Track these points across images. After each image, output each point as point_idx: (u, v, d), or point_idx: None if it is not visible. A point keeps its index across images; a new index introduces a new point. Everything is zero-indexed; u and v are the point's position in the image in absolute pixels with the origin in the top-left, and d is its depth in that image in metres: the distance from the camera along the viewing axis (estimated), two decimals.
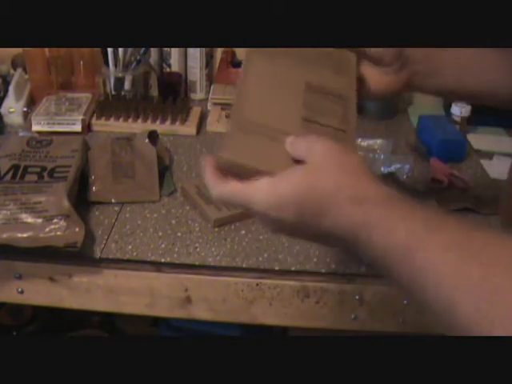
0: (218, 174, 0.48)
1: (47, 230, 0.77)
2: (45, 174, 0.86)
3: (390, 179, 0.94)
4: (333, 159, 0.45)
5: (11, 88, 1.14)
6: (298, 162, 0.47)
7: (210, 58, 1.28)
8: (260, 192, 0.45)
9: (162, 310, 0.80)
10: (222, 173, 0.48)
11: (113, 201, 0.90)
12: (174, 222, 0.86)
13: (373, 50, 0.65)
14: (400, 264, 0.41)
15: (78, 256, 0.78)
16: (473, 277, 0.37)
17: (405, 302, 0.79)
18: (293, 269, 0.78)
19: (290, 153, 0.47)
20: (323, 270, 0.78)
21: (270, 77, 0.58)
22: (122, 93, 1.15)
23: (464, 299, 0.37)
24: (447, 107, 1.19)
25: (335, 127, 0.54)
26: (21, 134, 1.08)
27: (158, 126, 1.10)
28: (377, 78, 0.67)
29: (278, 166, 0.46)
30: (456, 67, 0.67)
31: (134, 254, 0.80)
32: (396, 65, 0.65)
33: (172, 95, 1.16)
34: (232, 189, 0.47)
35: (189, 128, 1.12)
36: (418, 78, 0.67)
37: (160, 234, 0.84)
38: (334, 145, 0.47)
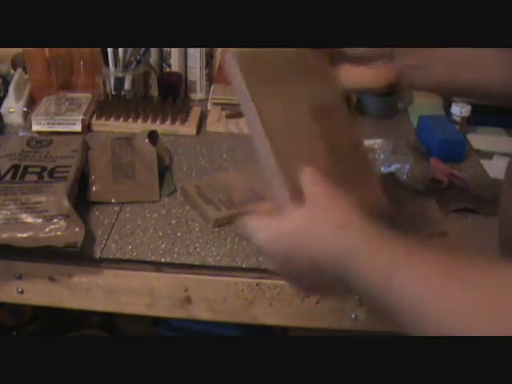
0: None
1: (47, 230, 0.77)
2: (45, 173, 0.86)
3: (390, 179, 0.94)
4: (324, 197, 0.50)
5: (11, 88, 1.14)
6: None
7: (209, 58, 1.28)
8: (261, 229, 0.51)
9: (162, 310, 0.80)
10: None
11: (113, 201, 0.90)
12: (174, 222, 0.86)
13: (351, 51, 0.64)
14: (382, 292, 0.43)
15: (78, 256, 0.78)
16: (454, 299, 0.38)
17: None
18: None
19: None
20: None
21: (282, 111, 0.58)
22: (122, 93, 1.15)
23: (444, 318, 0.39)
24: (447, 107, 1.19)
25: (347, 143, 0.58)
26: (21, 134, 1.08)
27: (158, 126, 1.10)
28: (359, 73, 0.66)
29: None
30: (447, 61, 0.66)
31: (134, 254, 0.80)
32: (380, 61, 0.65)
33: (172, 95, 1.16)
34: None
35: (189, 128, 1.12)
36: (407, 71, 0.66)
37: (160, 234, 0.84)
38: (331, 190, 0.50)
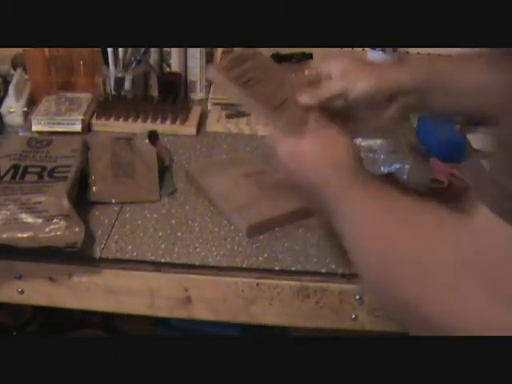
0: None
1: (47, 230, 0.77)
2: (45, 174, 0.86)
3: (390, 179, 0.94)
4: (326, 139, 0.66)
5: (11, 88, 1.13)
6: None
7: (209, 58, 1.28)
8: (283, 144, 0.68)
9: (161, 310, 0.80)
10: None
11: (113, 201, 0.90)
12: (173, 222, 0.86)
13: (351, 99, 0.70)
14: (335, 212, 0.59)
15: (78, 256, 0.78)
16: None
17: None
18: (293, 269, 0.78)
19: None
20: (323, 270, 0.78)
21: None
22: (122, 93, 1.15)
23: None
24: None
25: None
26: (21, 134, 1.08)
27: (158, 126, 1.10)
28: (364, 117, 0.73)
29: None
30: (444, 88, 0.69)
31: (134, 254, 0.80)
32: (381, 105, 0.70)
33: (172, 95, 1.16)
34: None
35: (189, 128, 1.12)
36: (408, 108, 0.71)
37: (160, 234, 0.84)
38: (332, 130, 0.67)
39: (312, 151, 0.64)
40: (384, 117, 0.71)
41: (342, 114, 0.72)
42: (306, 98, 0.72)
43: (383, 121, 0.72)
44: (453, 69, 0.71)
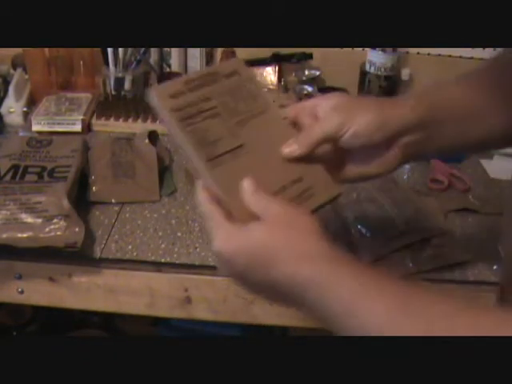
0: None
1: (47, 230, 0.77)
2: (45, 173, 0.86)
3: (390, 179, 0.94)
4: (286, 220, 0.49)
5: (11, 88, 1.14)
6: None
7: (209, 58, 1.28)
8: (222, 235, 0.50)
9: (161, 310, 0.80)
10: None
11: (113, 201, 0.90)
12: (173, 221, 0.86)
13: (346, 141, 0.57)
14: (344, 319, 0.44)
15: (78, 256, 0.78)
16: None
17: None
18: None
19: (249, 206, 0.51)
20: None
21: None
22: (122, 93, 1.15)
23: None
24: None
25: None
26: (21, 134, 1.08)
27: (158, 126, 1.10)
28: (359, 164, 0.59)
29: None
30: (456, 121, 0.58)
31: (134, 254, 0.80)
32: (381, 147, 0.58)
33: None
34: (212, 212, 0.51)
35: None
36: (414, 147, 0.58)
37: (160, 233, 0.84)
38: (289, 207, 0.51)
39: (270, 245, 0.47)
40: (385, 161, 0.58)
41: (332, 162, 0.59)
42: (292, 148, 0.57)
43: (384, 166, 0.59)
44: (460, 93, 0.60)
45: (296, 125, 0.59)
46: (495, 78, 0.60)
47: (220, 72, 0.58)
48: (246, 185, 0.52)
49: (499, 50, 0.62)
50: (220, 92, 0.57)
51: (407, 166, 1.00)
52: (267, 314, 0.78)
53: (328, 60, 1.21)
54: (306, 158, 0.57)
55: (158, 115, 0.55)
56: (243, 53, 1.23)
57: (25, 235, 0.76)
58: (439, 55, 1.21)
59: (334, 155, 0.59)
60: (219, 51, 1.28)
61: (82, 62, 1.19)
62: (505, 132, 0.59)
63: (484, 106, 0.58)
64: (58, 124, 1.09)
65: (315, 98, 0.61)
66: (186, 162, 0.93)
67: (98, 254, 0.79)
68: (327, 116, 0.57)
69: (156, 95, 0.54)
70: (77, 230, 0.77)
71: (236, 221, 0.50)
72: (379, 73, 1.17)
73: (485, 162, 1.06)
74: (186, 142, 0.53)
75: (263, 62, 1.21)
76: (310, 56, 1.21)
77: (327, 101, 0.59)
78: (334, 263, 0.46)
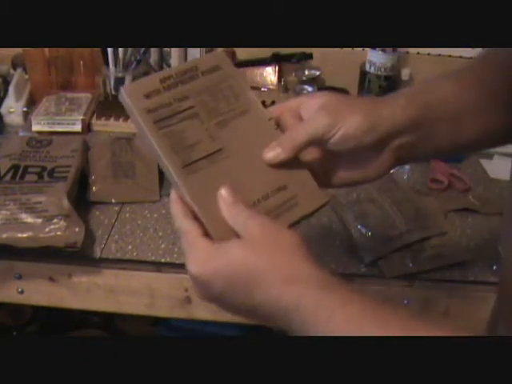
0: (184, 208, 0.48)
1: (47, 229, 0.77)
2: (45, 174, 0.86)
3: (390, 179, 0.94)
4: (268, 238, 0.45)
5: (11, 88, 1.13)
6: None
7: None
8: (197, 256, 0.46)
9: (161, 310, 0.80)
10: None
11: (113, 201, 0.90)
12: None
13: (334, 144, 0.52)
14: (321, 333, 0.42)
15: (78, 256, 0.78)
16: None
17: (405, 301, 0.79)
18: None
19: (227, 220, 0.47)
20: None
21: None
22: None
23: None
24: None
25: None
26: (21, 134, 1.08)
27: None
28: (350, 171, 0.55)
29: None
30: (449, 120, 0.55)
31: (134, 254, 0.80)
32: (372, 150, 0.53)
33: None
34: (186, 230, 0.47)
35: None
36: (406, 149, 0.54)
37: (160, 233, 0.84)
38: (270, 223, 0.47)
39: (251, 267, 0.44)
40: (376, 164, 0.54)
41: (319, 166, 0.55)
42: (275, 152, 0.52)
43: (375, 170, 0.55)
44: (452, 90, 0.57)
45: (280, 126, 0.54)
46: (486, 75, 0.58)
47: (200, 67, 0.53)
48: (224, 194, 0.48)
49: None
50: (199, 90, 0.52)
51: (407, 166, 1.00)
52: None
53: (328, 60, 1.21)
54: (291, 163, 0.52)
55: (130, 117, 0.50)
56: (243, 53, 1.23)
57: (25, 235, 0.76)
58: (439, 55, 1.21)
59: (321, 159, 0.55)
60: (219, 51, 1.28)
61: (81, 62, 1.19)
62: (498, 129, 0.57)
63: (477, 103, 0.56)
64: (58, 124, 1.09)
65: (300, 97, 0.57)
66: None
67: (98, 253, 0.79)
68: (313, 117, 0.53)
69: (127, 94, 0.49)
70: (77, 230, 0.77)
71: (213, 237, 0.46)
72: (379, 73, 1.17)
73: (485, 162, 1.06)
74: (158, 147, 0.48)
75: (263, 62, 1.21)
76: (310, 56, 1.21)
77: (313, 100, 0.54)
78: (320, 288, 0.43)
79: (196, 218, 0.48)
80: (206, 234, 0.47)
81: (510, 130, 0.57)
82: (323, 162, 0.55)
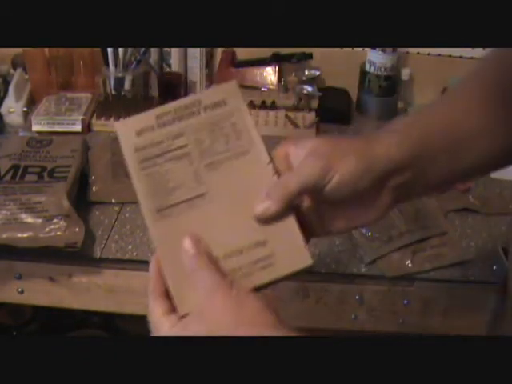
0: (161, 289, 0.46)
1: (47, 229, 0.77)
2: (45, 174, 0.86)
3: None
4: (229, 311, 0.43)
5: (11, 88, 1.14)
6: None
7: (209, 58, 1.28)
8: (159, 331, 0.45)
9: None
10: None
11: (113, 201, 0.90)
12: None
13: (328, 192, 0.48)
14: None
15: (78, 256, 0.78)
16: None
17: (405, 301, 0.79)
18: None
19: (189, 275, 0.45)
20: (323, 270, 0.78)
21: None
22: (122, 93, 1.15)
23: None
24: None
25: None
26: (21, 134, 1.08)
27: None
28: (344, 214, 0.50)
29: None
30: (447, 150, 0.51)
31: (134, 254, 0.80)
32: (368, 193, 0.49)
33: (172, 95, 1.16)
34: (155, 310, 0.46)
35: None
36: (404, 188, 0.50)
37: None
38: (229, 292, 0.44)
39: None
40: (373, 208, 0.50)
41: (309, 215, 0.49)
42: (265, 205, 0.47)
43: (372, 214, 0.50)
44: (448, 117, 0.53)
45: (278, 172, 0.49)
46: (481, 96, 0.54)
47: (204, 101, 0.50)
48: (186, 245, 0.45)
49: (478, 63, 0.57)
50: (196, 127, 0.49)
51: None
52: None
53: (328, 60, 1.21)
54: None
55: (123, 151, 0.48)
56: (243, 53, 1.23)
57: (25, 235, 0.76)
58: (439, 55, 1.21)
59: (314, 207, 0.49)
60: (219, 51, 1.28)
61: (81, 62, 1.19)
62: (499, 151, 0.53)
63: (474, 128, 0.52)
64: (58, 124, 1.09)
65: (286, 143, 0.51)
66: None
67: (98, 253, 0.79)
68: (304, 163, 0.48)
69: (119, 130, 0.48)
70: (77, 230, 0.77)
71: (175, 302, 0.44)
72: (379, 73, 1.17)
73: None
74: (136, 188, 0.47)
75: (263, 62, 1.21)
76: (310, 56, 1.21)
77: (301, 146, 0.50)
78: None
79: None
80: (172, 309, 0.45)
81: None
82: (316, 209, 0.50)
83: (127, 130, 0.48)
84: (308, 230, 0.49)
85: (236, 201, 0.47)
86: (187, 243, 0.45)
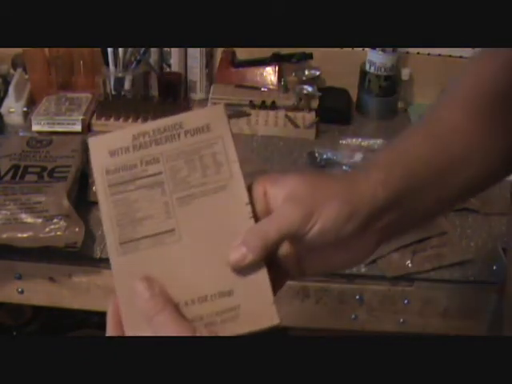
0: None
1: (47, 229, 0.77)
2: (45, 174, 0.86)
3: None
4: None
5: (11, 88, 1.14)
6: None
7: (209, 58, 1.28)
8: None
9: None
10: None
11: None
12: None
13: (309, 240, 0.44)
14: None
15: (78, 256, 0.78)
16: None
17: (405, 301, 0.79)
18: None
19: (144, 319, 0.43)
20: None
21: None
22: (122, 93, 1.15)
23: None
24: None
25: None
26: (21, 134, 1.08)
27: None
28: (326, 258, 0.47)
29: None
30: (433, 181, 0.49)
31: None
32: (353, 236, 0.45)
33: (172, 95, 1.16)
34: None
35: None
36: (391, 228, 0.47)
37: None
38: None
39: None
40: (357, 250, 0.47)
41: (290, 260, 0.45)
42: (240, 253, 0.43)
43: (357, 256, 0.47)
44: (429, 147, 0.50)
45: (255, 215, 0.44)
46: (466, 111, 0.52)
47: (185, 125, 0.45)
48: (139, 288, 0.42)
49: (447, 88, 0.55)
50: (174, 153, 0.44)
51: None
52: None
53: (328, 60, 1.21)
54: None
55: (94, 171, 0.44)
56: (243, 53, 1.23)
57: (25, 235, 0.76)
58: (439, 55, 1.22)
59: (293, 254, 0.45)
60: (219, 51, 1.28)
61: (82, 62, 1.19)
62: (486, 172, 0.52)
63: (465, 146, 0.50)
64: (58, 124, 1.09)
65: (263, 180, 0.46)
66: None
67: (97, 254, 0.79)
68: (283, 209, 0.44)
69: (91, 148, 0.45)
70: (77, 229, 0.77)
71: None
72: (379, 73, 1.17)
73: None
74: (102, 214, 0.43)
75: (263, 62, 1.21)
76: (310, 56, 1.21)
77: (280, 187, 0.45)
78: None
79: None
80: None
81: (506, 159, 0.52)
82: (294, 254, 0.45)
83: (100, 149, 0.45)
84: (281, 275, 0.45)
85: (206, 242, 0.43)
86: (140, 286, 0.42)
